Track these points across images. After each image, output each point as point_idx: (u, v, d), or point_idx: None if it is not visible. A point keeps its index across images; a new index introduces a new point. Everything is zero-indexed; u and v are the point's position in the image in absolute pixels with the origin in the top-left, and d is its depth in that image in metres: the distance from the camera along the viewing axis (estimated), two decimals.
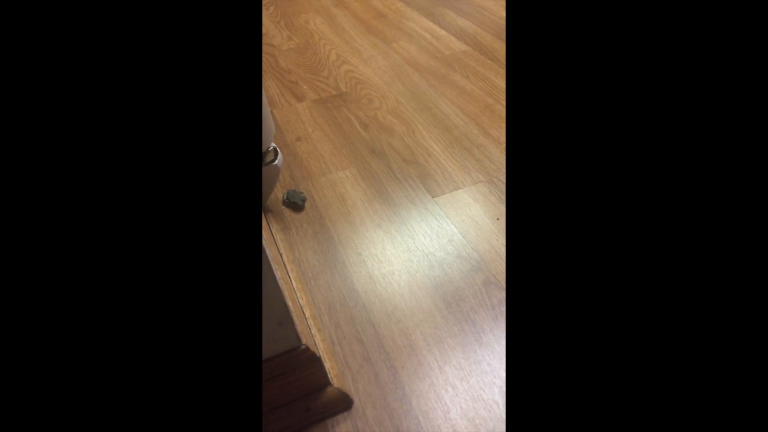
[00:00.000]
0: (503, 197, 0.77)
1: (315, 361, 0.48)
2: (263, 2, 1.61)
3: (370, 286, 0.66)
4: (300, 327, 0.49)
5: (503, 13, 1.36)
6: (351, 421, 0.52)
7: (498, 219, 0.73)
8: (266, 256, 0.41)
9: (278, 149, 0.73)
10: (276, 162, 0.72)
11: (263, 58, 1.26)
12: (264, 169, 0.71)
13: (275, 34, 1.39)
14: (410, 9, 1.46)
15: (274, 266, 0.47)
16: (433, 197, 0.79)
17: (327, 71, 1.18)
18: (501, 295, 0.63)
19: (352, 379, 0.55)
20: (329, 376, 0.52)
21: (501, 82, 1.05)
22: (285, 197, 0.80)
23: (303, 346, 0.47)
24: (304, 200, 0.80)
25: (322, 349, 0.55)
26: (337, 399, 0.52)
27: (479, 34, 1.27)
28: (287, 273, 0.64)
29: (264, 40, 1.36)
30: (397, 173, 0.84)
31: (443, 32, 1.30)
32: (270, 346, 0.45)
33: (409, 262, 0.68)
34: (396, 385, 0.54)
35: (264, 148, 0.69)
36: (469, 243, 0.70)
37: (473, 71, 1.11)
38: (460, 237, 0.71)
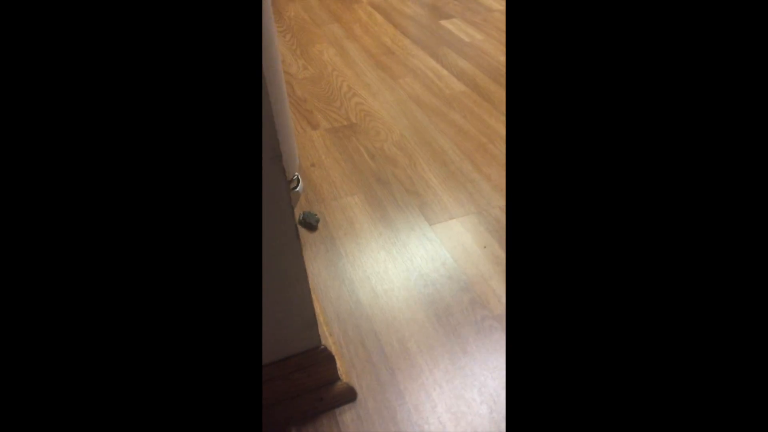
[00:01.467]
0: (491, 228, 0.89)
1: (330, 359, 0.59)
2: (281, 30, 1.74)
3: (373, 299, 0.77)
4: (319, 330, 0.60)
5: (502, 58, 1.50)
6: (355, 410, 0.63)
7: (485, 247, 0.85)
8: (303, 266, 0.52)
9: (300, 177, 0.85)
10: (297, 189, 0.83)
11: None
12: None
13: (291, 63, 1.51)
14: (416, 47, 1.60)
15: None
16: (430, 225, 0.90)
17: (339, 102, 1.30)
18: (484, 313, 0.74)
19: (356, 376, 0.66)
20: (339, 372, 0.63)
21: (495, 124, 1.19)
22: (301, 217, 0.91)
23: (322, 346, 0.58)
24: (317, 221, 0.91)
25: (333, 351, 0.66)
26: (345, 392, 0.63)
27: (478, 76, 1.41)
28: None
29: (280, 67, 1.48)
30: (400, 201, 0.96)
31: (445, 72, 1.44)
32: (298, 344, 0.56)
33: (407, 280, 0.80)
34: (393, 383, 0.65)
35: (289, 177, 0.80)
36: (459, 267, 0.82)
37: (470, 111, 1.24)
38: (451, 261, 0.83)
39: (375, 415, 0.62)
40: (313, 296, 0.75)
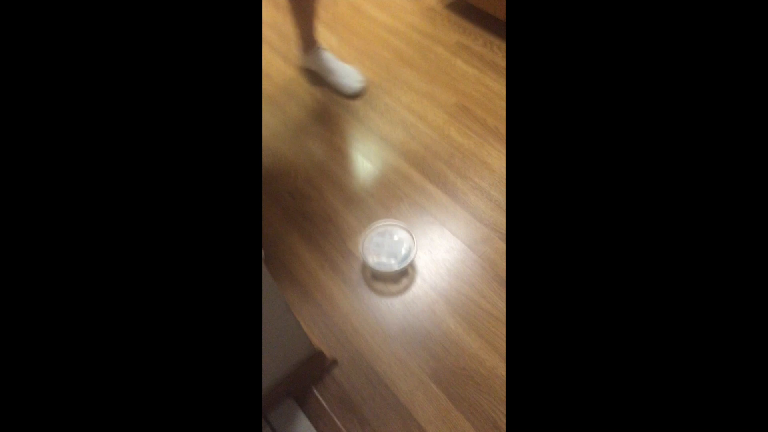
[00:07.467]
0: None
1: (321, 354, 1.37)
2: None
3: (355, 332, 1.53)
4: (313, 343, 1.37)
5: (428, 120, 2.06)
6: (339, 368, 1.42)
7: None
8: (304, 334, 1.26)
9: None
10: None
11: None
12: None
13: None
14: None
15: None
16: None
17: None
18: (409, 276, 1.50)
19: (337, 354, 1.45)
20: (326, 355, 1.41)
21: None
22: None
23: (317, 350, 1.35)
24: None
25: (323, 348, 1.43)
26: (332, 362, 1.42)
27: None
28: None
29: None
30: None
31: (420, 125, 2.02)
32: (304, 354, 1.33)
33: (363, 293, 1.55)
34: (351, 351, 1.44)
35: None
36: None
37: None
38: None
39: (348, 367, 1.42)
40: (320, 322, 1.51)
